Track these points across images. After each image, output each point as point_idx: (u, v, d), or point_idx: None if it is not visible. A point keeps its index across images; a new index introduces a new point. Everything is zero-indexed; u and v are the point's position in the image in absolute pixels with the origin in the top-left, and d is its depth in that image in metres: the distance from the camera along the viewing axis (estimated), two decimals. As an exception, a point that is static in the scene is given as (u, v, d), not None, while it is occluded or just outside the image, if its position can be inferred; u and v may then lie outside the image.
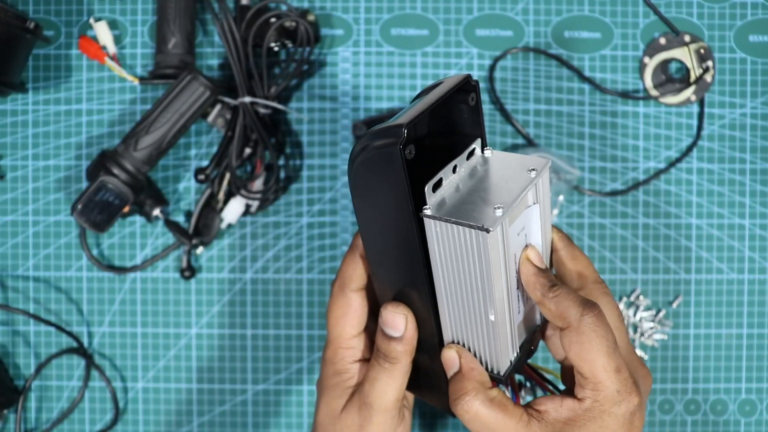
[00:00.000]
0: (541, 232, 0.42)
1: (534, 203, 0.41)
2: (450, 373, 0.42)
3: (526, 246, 0.41)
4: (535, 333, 0.45)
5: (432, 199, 0.39)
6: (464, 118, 0.42)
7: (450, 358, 0.42)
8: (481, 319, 0.40)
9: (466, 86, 0.41)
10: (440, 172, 0.39)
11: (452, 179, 0.40)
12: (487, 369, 0.42)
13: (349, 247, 0.45)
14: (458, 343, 0.43)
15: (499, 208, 0.37)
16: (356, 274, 0.44)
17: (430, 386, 0.46)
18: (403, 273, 0.41)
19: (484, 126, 0.43)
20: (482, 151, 0.43)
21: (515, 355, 0.43)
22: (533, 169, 0.40)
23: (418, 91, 0.65)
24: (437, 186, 0.39)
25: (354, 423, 0.44)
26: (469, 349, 0.42)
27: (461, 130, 0.43)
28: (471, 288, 0.39)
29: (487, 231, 0.36)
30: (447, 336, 0.43)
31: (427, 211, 0.38)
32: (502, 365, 0.42)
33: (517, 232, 0.40)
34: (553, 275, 0.42)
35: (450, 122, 0.43)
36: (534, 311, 0.45)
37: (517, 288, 0.42)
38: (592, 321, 0.39)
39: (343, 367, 0.46)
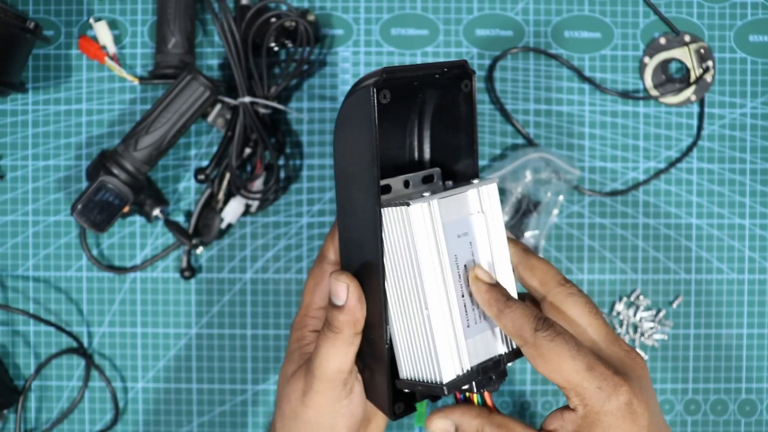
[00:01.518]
0: (489, 246, 0.43)
1: (479, 211, 0.42)
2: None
3: (474, 266, 0.42)
4: (499, 361, 0.42)
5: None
6: (460, 110, 0.43)
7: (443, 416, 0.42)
8: (420, 315, 0.40)
9: (464, 72, 0.42)
10: (390, 179, 0.43)
11: (400, 191, 0.44)
12: (428, 382, 0.41)
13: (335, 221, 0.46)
14: (404, 351, 0.42)
15: (426, 192, 0.40)
16: (333, 246, 0.46)
17: (374, 388, 0.45)
18: (362, 239, 0.42)
19: (476, 123, 0.44)
20: (443, 183, 0.45)
21: (466, 370, 0.41)
22: (480, 184, 0.43)
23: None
24: (386, 191, 0.43)
25: (299, 388, 0.44)
26: (414, 356, 0.42)
27: (453, 122, 0.44)
28: (408, 278, 0.40)
29: (407, 204, 0.39)
30: (394, 335, 0.42)
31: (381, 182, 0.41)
32: (445, 374, 0.40)
33: (457, 233, 0.41)
34: (506, 290, 0.42)
35: (445, 108, 0.44)
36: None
37: (472, 300, 0.42)
38: (547, 335, 0.39)
39: (303, 334, 0.47)
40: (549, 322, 0.39)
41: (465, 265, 0.41)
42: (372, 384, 0.45)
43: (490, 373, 0.42)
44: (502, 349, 0.43)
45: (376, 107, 0.39)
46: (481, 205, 0.42)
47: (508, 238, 0.44)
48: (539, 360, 0.39)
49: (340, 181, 0.43)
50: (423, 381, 0.41)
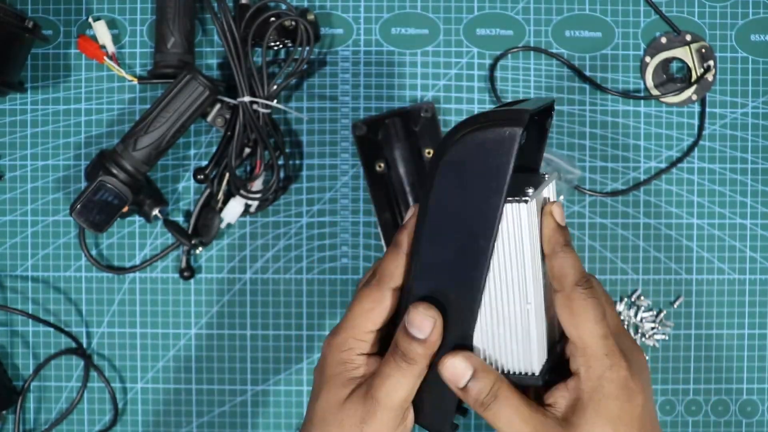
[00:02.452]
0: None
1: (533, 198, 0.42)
2: (464, 379, 0.42)
3: (552, 202, 0.43)
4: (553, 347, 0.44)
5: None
6: (530, 141, 0.43)
7: (464, 358, 0.42)
8: (518, 310, 0.41)
9: (549, 109, 0.43)
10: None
11: None
12: (515, 374, 0.42)
13: (392, 243, 0.44)
14: (486, 345, 0.43)
15: (530, 189, 0.40)
16: (398, 272, 0.44)
17: (429, 409, 0.45)
18: (460, 265, 0.41)
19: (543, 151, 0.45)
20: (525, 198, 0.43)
21: (547, 357, 0.42)
22: (551, 177, 0.44)
23: (418, 92, 0.65)
24: None
25: (357, 414, 0.43)
26: (501, 351, 0.42)
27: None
28: (512, 273, 0.40)
29: (525, 201, 0.39)
30: (477, 339, 0.42)
31: (529, 192, 0.40)
32: (536, 363, 0.41)
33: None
34: (568, 236, 0.43)
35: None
36: (552, 323, 0.44)
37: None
38: (585, 292, 0.41)
39: (349, 357, 0.45)
40: (590, 283, 0.41)
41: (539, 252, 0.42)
42: (426, 404, 0.44)
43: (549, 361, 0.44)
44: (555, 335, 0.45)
45: (517, 153, 0.38)
46: (549, 196, 0.44)
47: (557, 225, 0.44)
48: (566, 311, 0.41)
49: (433, 222, 0.42)
50: (512, 374, 0.42)
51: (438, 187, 0.40)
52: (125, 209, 0.60)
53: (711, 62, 0.64)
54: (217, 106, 0.63)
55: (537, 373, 0.42)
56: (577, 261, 0.42)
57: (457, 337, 0.42)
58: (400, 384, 0.42)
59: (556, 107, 0.65)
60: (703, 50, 0.64)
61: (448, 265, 0.41)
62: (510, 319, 0.41)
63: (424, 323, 0.42)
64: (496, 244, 0.40)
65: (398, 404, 0.43)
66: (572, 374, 0.42)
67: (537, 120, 0.43)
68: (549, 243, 0.42)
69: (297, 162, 0.65)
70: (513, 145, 0.37)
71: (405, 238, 0.43)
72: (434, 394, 0.44)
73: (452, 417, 0.44)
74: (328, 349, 0.46)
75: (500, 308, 0.41)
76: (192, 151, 0.65)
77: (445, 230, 0.41)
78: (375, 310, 0.44)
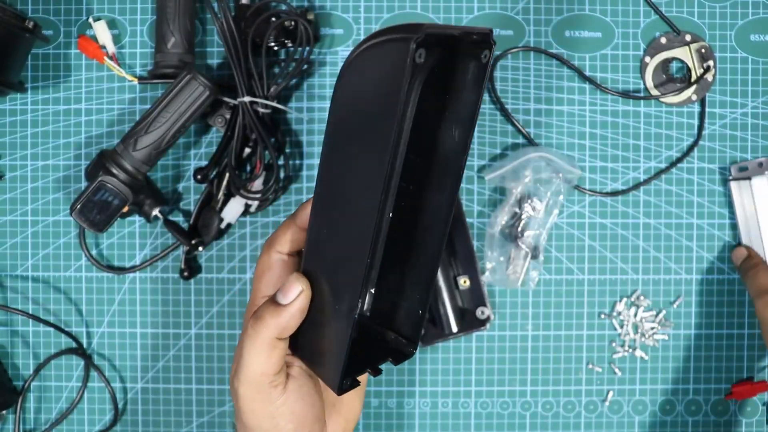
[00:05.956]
0: None
1: None
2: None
3: None
4: None
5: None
6: (468, 77, 0.39)
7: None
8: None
9: (484, 41, 0.38)
10: None
11: None
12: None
13: (291, 213, 0.44)
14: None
15: None
16: (285, 238, 0.43)
17: (317, 349, 0.43)
18: (355, 200, 0.38)
19: (482, 93, 0.40)
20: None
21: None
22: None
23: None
24: None
25: (234, 396, 0.43)
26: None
27: (458, 91, 0.40)
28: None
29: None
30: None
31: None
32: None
33: None
34: None
35: (451, 77, 0.39)
36: None
37: None
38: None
39: (245, 325, 0.44)
40: None
41: None
42: (319, 357, 0.43)
43: None
44: None
45: (411, 70, 0.33)
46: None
47: None
48: None
49: (334, 145, 0.38)
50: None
51: (336, 107, 0.37)
52: (125, 209, 0.60)
53: (710, 62, 0.64)
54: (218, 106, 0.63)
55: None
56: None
57: (345, 308, 0.40)
58: (251, 354, 0.41)
59: (555, 107, 0.65)
60: (703, 50, 0.64)
61: (343, 206, 0.39)
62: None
63: (291, 289, 0.41)
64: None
65: (257, 375, 0.41)
66: None
67: (471, 53, 0.39)
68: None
69: (297, 162, 0.65)
70: (403, 58, 0.33)
71: (303, 209, 0.43)
72: (327, 351, 0.42)
73: (342, 374, 0.42)
74: (245, 315, 0.45)
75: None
76: (192, 151, 0.65)
77: (341, 160, 0.38)
78: (265, 274, 0.44)
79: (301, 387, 0.43)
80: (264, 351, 0.41)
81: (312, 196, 0.41)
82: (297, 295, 0.41)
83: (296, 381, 0.43)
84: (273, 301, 0.41)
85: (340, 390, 0.41)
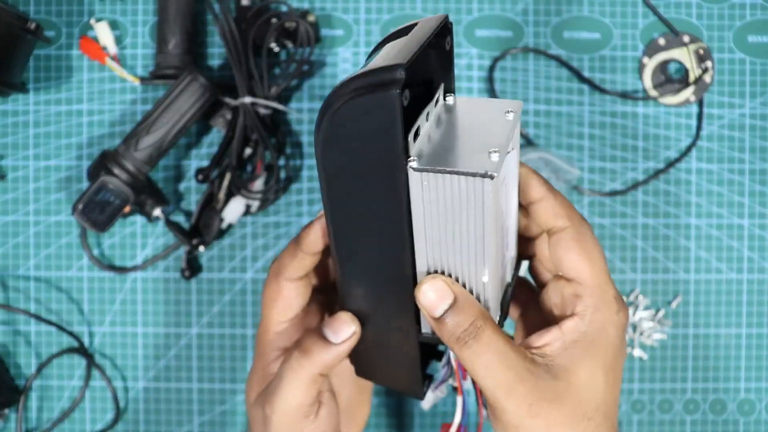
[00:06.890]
0: (515, 181, 0.40)
1: (512, 149, 0.37)
2: (440, 308, 0.36)
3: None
4: (506, 291, 0.41)
5: (413, 150, 0.34)
6: (432, 64, 0.39)
7: (438, 288, 0.36)
8: (473, 283, 0.36)
9: (443, 29, 0.37)
10: (417, 121, 0.35)
11: (425, 128, 0.36)
12: None
13: (294, 237, 0.43)
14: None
15: (494, 152, 0.33)
16: (293, 265, 0.42)
17: (389, 368, 0.43)
18: (377, 243, 0.37)
19: (454, 73, 0.39)
20: (444, 98, 0.39)
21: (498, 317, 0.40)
22: (509, 111, 0.37)
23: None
24: (416, 136, 0.35)
25: (260, 417, 0.42)
26: None
27: (428, 78, 0.39)
28: (462, 247, 0.35)
29: (492, 177, 0.32)
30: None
31: (414, 164, 0.33)
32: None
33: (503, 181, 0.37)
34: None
35: (421, 69, 0.38)
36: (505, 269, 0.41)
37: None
38: (590, 227, 0.38)
39: (263, 350, 0.44)
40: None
41: (503, 209, 0.37)
42: (386, 370, 0.43)
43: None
44: (508, 278, 0.43)
45: (402, 118, 0.32)
46: (514, 140, 0.37)
47: (530, 171, 0.40)
48: (577, 247, 0.38)
49: (336, 206, 0.37)
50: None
51: (328, 171, 0.35)
52: (127, 209, 0.60)
53: (709, 63, 0.65)
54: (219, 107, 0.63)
55: None
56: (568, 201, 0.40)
57: (401, 325, 0.40)
58: (292, 386, 0.40)
59: (554, 107, 0.65)
60: (701, 51, 0.65)
61: (363, 245, 0.37)
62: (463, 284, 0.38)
63: (342, 329, 0.40)
64: (425, 216, 0.35)
65: (294, 408, 0.40)
66: (562, 318, 0.38)
67: (434, 44, 0.38)
68: (540, 185, 0.39)
69: (297, 162, 0.65)
70: (391, 109, 0.32)
71: (306, 233, 0.41)
72: (394, 365, 0.42)
73: (420, 378, 0.42)
74: (255, 342, 0.45)
75: (453, 273, 0.37)
76: (193, 152, 0.65)
77: (350, 215, 0.36)
78: (276, 302, 0.43)
79: (331, 412, 0.43)
80: (305, 385, 0.40)
81: (313, 219, 0.42)
82: (349, 335, 0.40)
83: (326, 407, 0.43)
84: (321, 336, 0.40)
85: (425, 395, 0.43)
